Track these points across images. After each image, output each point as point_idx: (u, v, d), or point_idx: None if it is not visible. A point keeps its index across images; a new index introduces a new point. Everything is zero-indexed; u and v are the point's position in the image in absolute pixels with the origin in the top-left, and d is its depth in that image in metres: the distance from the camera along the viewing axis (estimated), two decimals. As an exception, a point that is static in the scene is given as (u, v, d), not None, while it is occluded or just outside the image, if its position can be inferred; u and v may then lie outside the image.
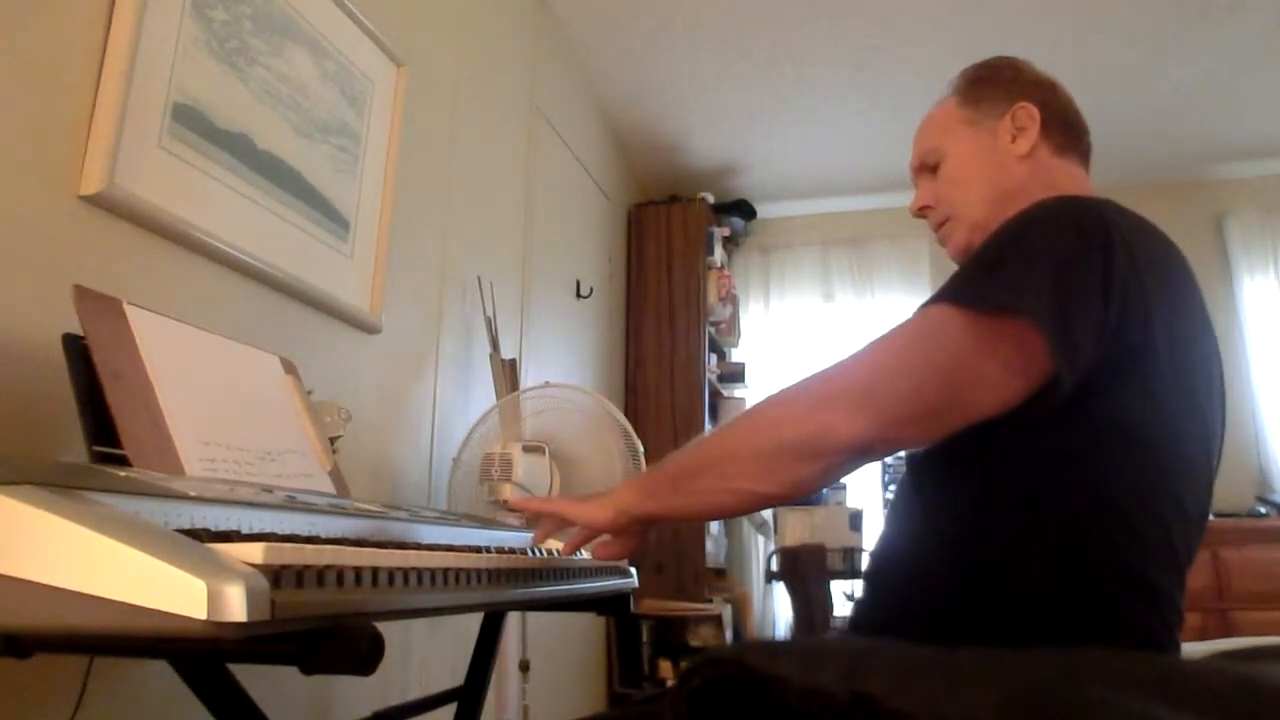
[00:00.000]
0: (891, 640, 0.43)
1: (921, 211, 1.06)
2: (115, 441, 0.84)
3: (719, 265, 3.76)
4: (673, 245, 3.69)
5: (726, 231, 3.94)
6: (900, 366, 0.74)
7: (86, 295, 0.90)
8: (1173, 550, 0.78)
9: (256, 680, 0.95)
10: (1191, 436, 0.80)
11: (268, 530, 0.73)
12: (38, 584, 0.52)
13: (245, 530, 0.69)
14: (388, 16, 1.80)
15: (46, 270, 1.06)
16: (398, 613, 0.71)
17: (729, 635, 3.35)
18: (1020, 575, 0.76)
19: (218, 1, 1.35)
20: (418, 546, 0.83)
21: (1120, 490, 0.75)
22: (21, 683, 0.99)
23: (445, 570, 0.74)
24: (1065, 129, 1.00)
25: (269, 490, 0.85)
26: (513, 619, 1.90)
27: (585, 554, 1.14)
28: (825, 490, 3.51)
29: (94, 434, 0.85)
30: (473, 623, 1.50)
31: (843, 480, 3.57)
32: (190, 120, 1.28)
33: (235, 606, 0.49)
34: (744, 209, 4.05)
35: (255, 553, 0.55)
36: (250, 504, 0.74)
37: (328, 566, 0.58)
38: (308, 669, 0.57)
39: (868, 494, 3.60)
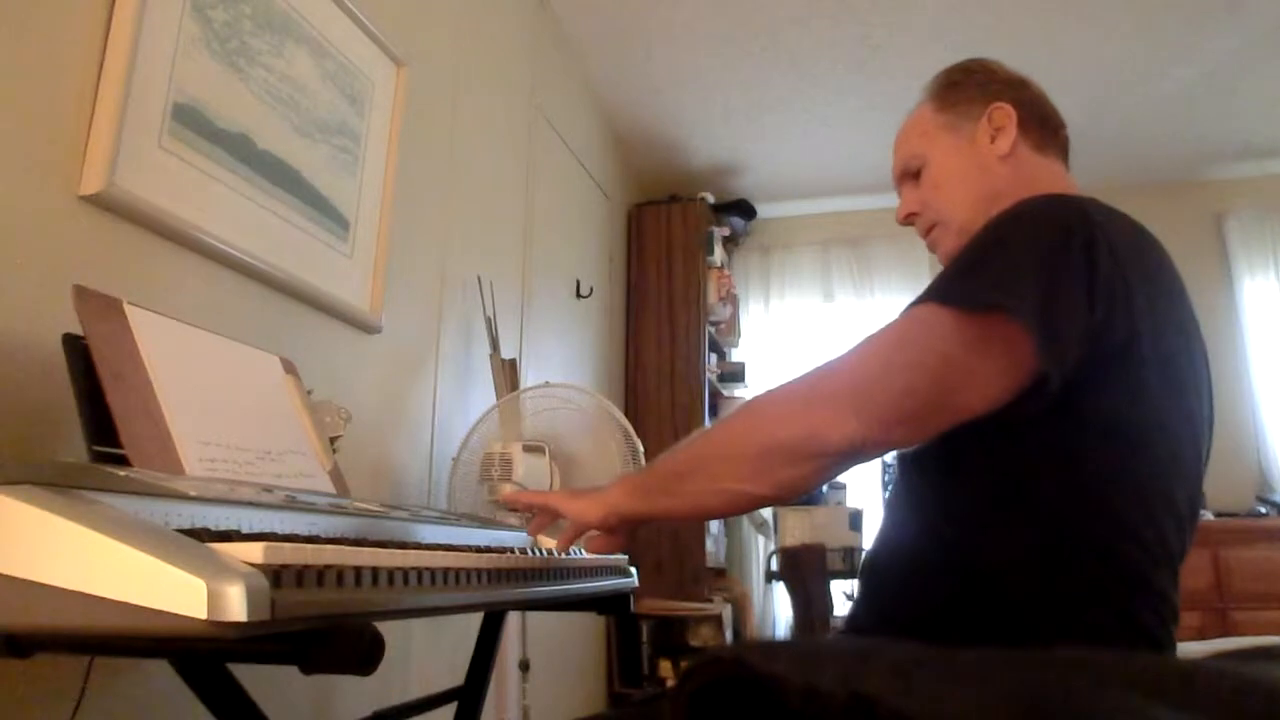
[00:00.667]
0: (889, 639, 0.43)
1: (908, 219, 1.06)
2: (115, 441, 0.84)
3: (719, 265, 3.76)
4: (673, 245, 3.69)
5: (726, 231, 3.94)
6: (889, 367, 0.74)
7: (86, 295, 0.90)
8: (1165, 546, 0.78)
9: (256, 680, 0.95)
10: (1179, 431, 0.80)
11: (268, 530, 0.73)
12: (38, 584, 0.52)
13: (245, 530, 0.69)
14: (388, 16, 1.80)
15: (46, 270, 1.06)
16: (398, 612, 0.71)
17: (729, 635, 3.35)
18: (1012, 572, 0.76)
19: (218, 1, 1.35)
20: (418, 546, 0.83)
21: (1110, 487, 0.75)
22: (21, 683, 0.99)
23: (445, 570, 0.74)
24: (1042, 124, 1.01)
25: (269, 490, 0.85)
26: (513, 619, 1.90)
27: (584, 553, 1.14)
28: (825, 490, 3.51)
29: (94, 434, 0.85)
30: (473, 623, 1.50)
31: (843, 480, 3.57)
32: (190, 120, 1.28)
33: (235, 606, 0.49)
34: (744, 209, 4.05)
35: (255, 552, 0.55)
36: (250, 504, 0.74)
37: (328, 566, 0.58)
38: (308, 669, 0.57)
39: (868, 494, 3.60)
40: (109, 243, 1.15)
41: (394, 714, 1.35)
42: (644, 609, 3.18)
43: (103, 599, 0.51)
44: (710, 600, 3.31)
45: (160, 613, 0.50)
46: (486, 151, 2.32)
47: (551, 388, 1.89)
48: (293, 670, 0.57)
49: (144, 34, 1.18)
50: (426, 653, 1.87)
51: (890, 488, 0.92)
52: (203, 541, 0.56)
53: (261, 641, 0.54)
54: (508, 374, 1.97)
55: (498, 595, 0.88)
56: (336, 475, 1.15)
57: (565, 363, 2.86)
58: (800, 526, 3.35)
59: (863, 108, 3.36)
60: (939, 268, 0.89)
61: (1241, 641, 1.42)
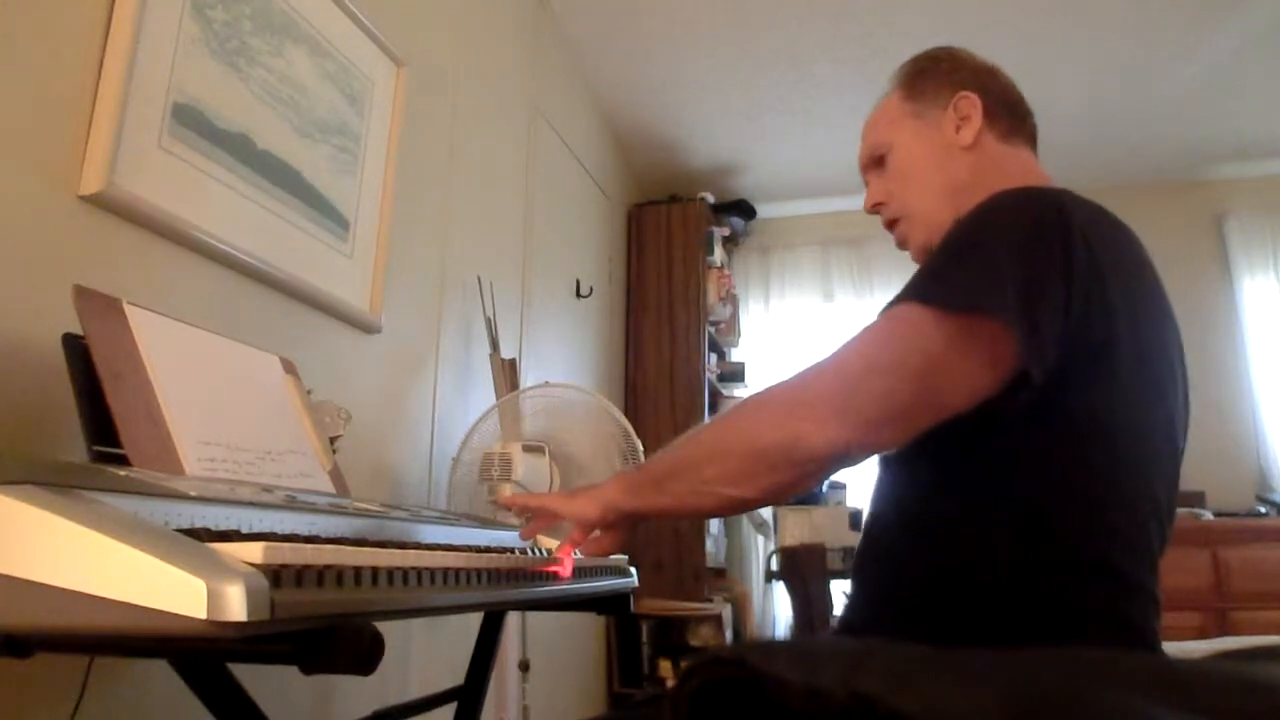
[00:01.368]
0: (886, 640, 0.43)
1: (875, 208, 1.06)
2: (115, 441, 0.84)
3: (719, 265, 3.76)
4: (673, 245, 3.69)
5: (726, 231, 3.93)
6: (872, 369, 0.74)
7: (86, 295, 0.90)
8: (1145, 538, 0.78)
9: (256, 680, 0.95)
10: (1157, 424, 0.80)
11: (268, 530, 0.73)
12: (38, 584, 0.52)
13: (245, 530, 0.69)
14: (388, 16, 1.80)
15: (46, 270, 1.06)
16: (398, 612, 0.71)
17: (729, 635, 3.35)
18: (994, 569, 0.76)
19: (218, 1, 1.35)
20: (418, 546, 0.83)
21: (1090, 482, 0.76)
22: (21, 683, 0.99)
23: (445, 570, 0.74)
24: (1009, 113, 1.00)
25: (269, 490, 0.85)
26: (513, 619, 1.90)
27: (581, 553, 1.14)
28: (825, 490, 3.51)
29: (94, 434, 0.85)
30: (473, 623, 1.50)
31: (842, 480, 3.58)
32: (190, 120, 1.28)
33: (235, 606, 0.49)
34: (744, 209, 4.05)
35: (255, 552, 0.55)
36: (250, 504, 0.74)
37: (328, 566, 0.58)
38: (308, 669, 0.57)
39: (868, 493, 3.59)
40: (109, 243, 1.15)
41: (394, 714, 1.35)
42: (644, 609, 3.18)
43: (103, 599, 0.51)
44: (710, 600, 3.31)
45: (160, 613, 0.50)
46: (486, 151, 2.32)
47: (551, 388, 1.89)
48: (293, 670, 0.57)
49: (144, 34, 1.18)
50: (426, 653, 1.87)
51: (874, 484, 0.92)
52: (203, 541, 0.56)
53: (261, 641, 0.54)
54: (508, 374, 1.97)
55: (498, 595, 0.88)
56: (336, 475, 1.15)
57: (565, 363, 2.87)
58: (800, 526, 3.35)
59: (863, 108, 3.34)
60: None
61: (1241, 641, 1.42)
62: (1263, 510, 3.31)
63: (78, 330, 0.88)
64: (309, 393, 1.21)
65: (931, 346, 0.73)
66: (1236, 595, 3.00)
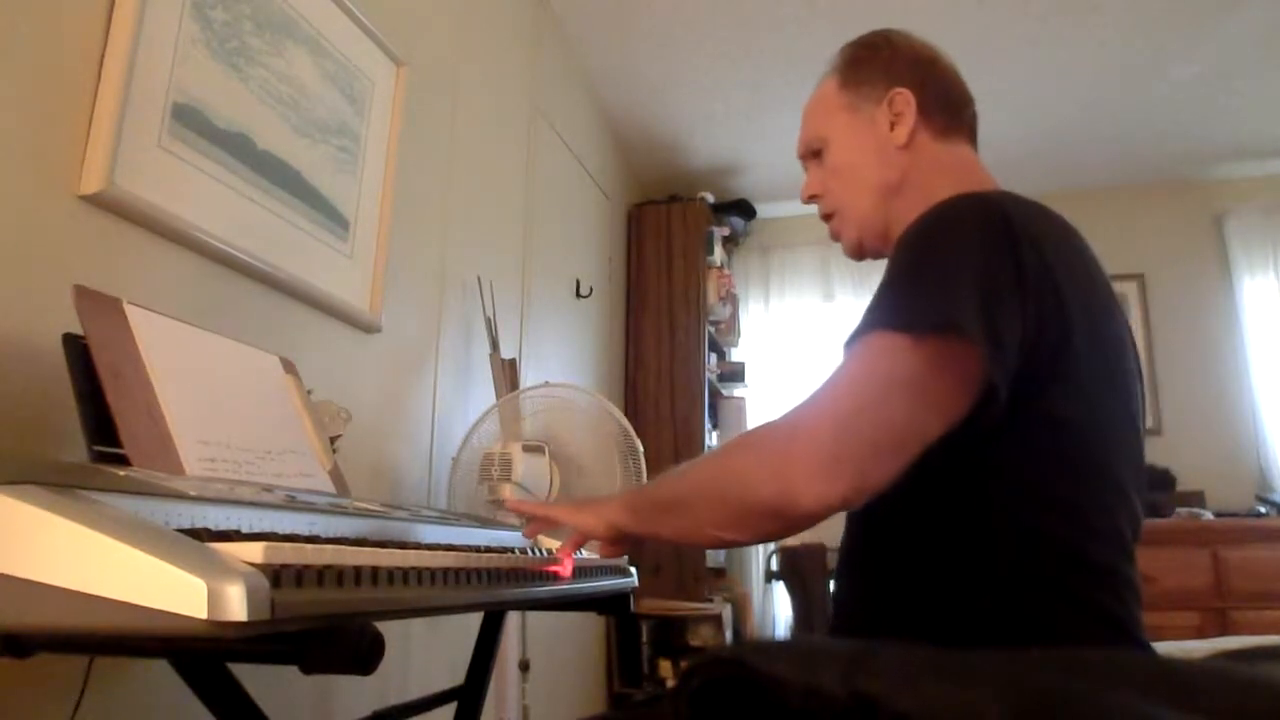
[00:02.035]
0: (888, 640, 0.43)
1: (811, 199, 1.05)
2: (115, 441, 0.84)
3: (719, 265, 3.76)
4: (673, 245, 3.69)
5: (726, 231, 3.93)
6: (860, 409, 0.72)
7: (86, 295, 0.90)
8: (1118, 528, 0.79)
9: (256, 680, 0.95)
10: (1118, 413, 0.81)
11: (268, 530, 0.73)
12: (38, 583, 0.52)
13: (245, 530, 0.69)
14: (388, 16, 1.80)
15: (46, 270, 1.06)
16: (398, 612, 0.71)
17: (729, 635, 3.35)
18: (974, 572, 0.76)
19: (217, 1, 1.35)
20: (418, 546, 0.83)
21: (1061, 480, 0.76)
22: (21, 683, 0.99)
23: (445, 570, 0.74)
24: (945, 108, 0.98)
25: (269, 490, 0.85)
26: (513, 619, 1.90)
27: (585, 553, 1.14)
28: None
29: (94, 433, 0.85)
30: (473, 622, 1.50)
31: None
32: (190, 120, 1.28)
33: (235, 606, 0.49)
34: (744, 209, 4.05)
35: (255, 552, 0.55)
36: (250, 503, 0.74)
37: (328, 566, 0.58)
38: (308, 668, 0.57)
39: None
40: (109, 243, 1.15)
41: (394, 714, 1.35)
42: (644, 609, 3.18)
43: (103, 599, 0.51)
44: (710, 600, 3.31)
45: (160, 612, 0.50)
46: (486, 151, 2.32)
47: (551, 387, 1.89)
48: (293, 670, 0.58)
49: (144, 34, 1.18)
50: (426, 653, 1.87)
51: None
52: (203, 541, 0.56)
53: (261, 641, 0.54)
54: (508, 374, 1.97)
55: (498, 595, 0.88)
56: (336, 475, 1.15)
57: (565, 363, 2.87)
58: (800, 526, 3.35)
59: (863, 108, 3.35)
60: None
61: (1241, 641, 1.42)
62: (1263, 510, 3.31)
63: (78, 330, 0.88)
64: (309, 393, 1.21)
65: (911, 373, 0.72)
66: (1236, 595, 3.00)
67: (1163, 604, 2.94)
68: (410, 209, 1.88)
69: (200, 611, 0.49)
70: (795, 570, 3.23)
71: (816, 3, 2.75)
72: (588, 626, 3.02)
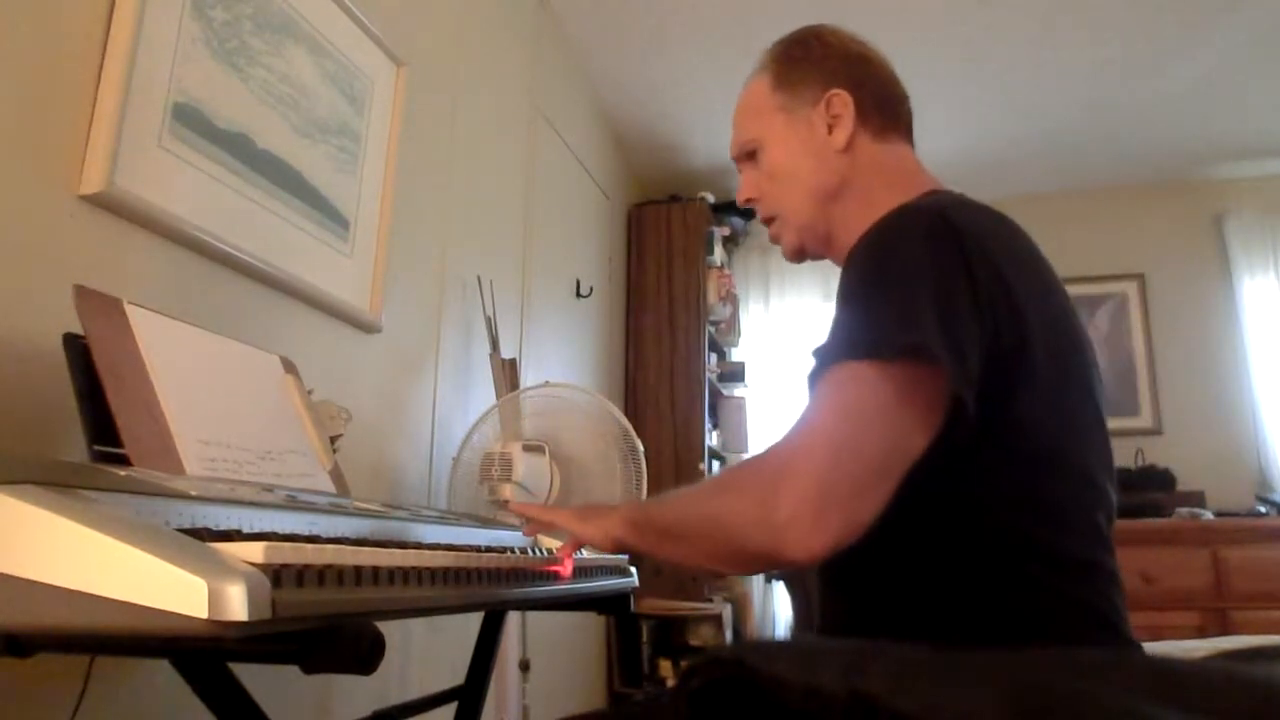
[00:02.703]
0: (886, 641, 0.43)
1: (748, 203, 1.03)
2: (116, 441, 0.84)
3: (719, 265, 3.76)
4: (673, 245, 3.69)
5: (726, 231, 3.93)
6: (839, 450, 0.70)
7: (86, 295, 0.90)
8: (1095, 525, 0.79)
9: (256, 680, 0.95)
10: (1083, 410, 0.81)
11: (268, 530, 0.73)
12: (38, 583, 0.52)
13: (246, 529, 0.69)
14: (388, 16, 1.80)
15: (46, 270, 1.06)
16: (398, 612, 0.71)
17: (729, 635, 3.35)
18: (959, 576, 0.77)
19: (217, 1, 1.35)
20: (418, 546, 0.83)
21: (1036, 484, 0.76)
22: (21, 683, 0.99)
23: (445, 570, 0.74)
24: (882, 108, 0.97)
25: (269, 490, 0.85)
26: (513, 618, 1.90)
27: (585, 553, 1.14)
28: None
29: (94, 433, 0.85)
30: (473, 622, 1.50)
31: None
32: (190, 120, 1.28)
33: (236, 606, 0.49)
34: (744, 209, 4.05)
35: (256, 552, 0.55)
36: (251, 503, 0.74)
37: (328, 566, 0.58)
38: (308, 668, 0.57)
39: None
40: (109, 243, 1.15)
41: (394, 714, 1.35)
42: (644, 609, 3.18)
43: (103, 598, 0.51)
44: (710, 600, 3.31)
45: (161, 612, 0.50)
46: (486, 151, 2.32)
47: (551, 387, 1.89)
48: (293, 670, 0.58)
49: (144, 34, 1.18)
50: (426, 653, 1.87)
51: None
52: (203, 541, 0.56)
53: (262, 641, 0.54)
54: (508, 374, 1.97)
55: (498, 595, 0.88)
56: (336, 475, 1.15)
57: (565, 362, 2.87)
58: (800, 526, 3.35)
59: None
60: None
61: (1241, 641, 1.42)
62: (1263, 510, 3.31)
63: (78, 330, 0.88)
64: (309, 393, 1.21)
65: (882, 401, 0.71)
66: (1236, 595, 3.00)
67: (1163, 604, 2.95)
68: (410, 209, 1.88)
69: (201, 611, 0.49)
70: (795, 570, 3.23)
71: (817, 3, 2.75)
72: (588, 626, 3.02)
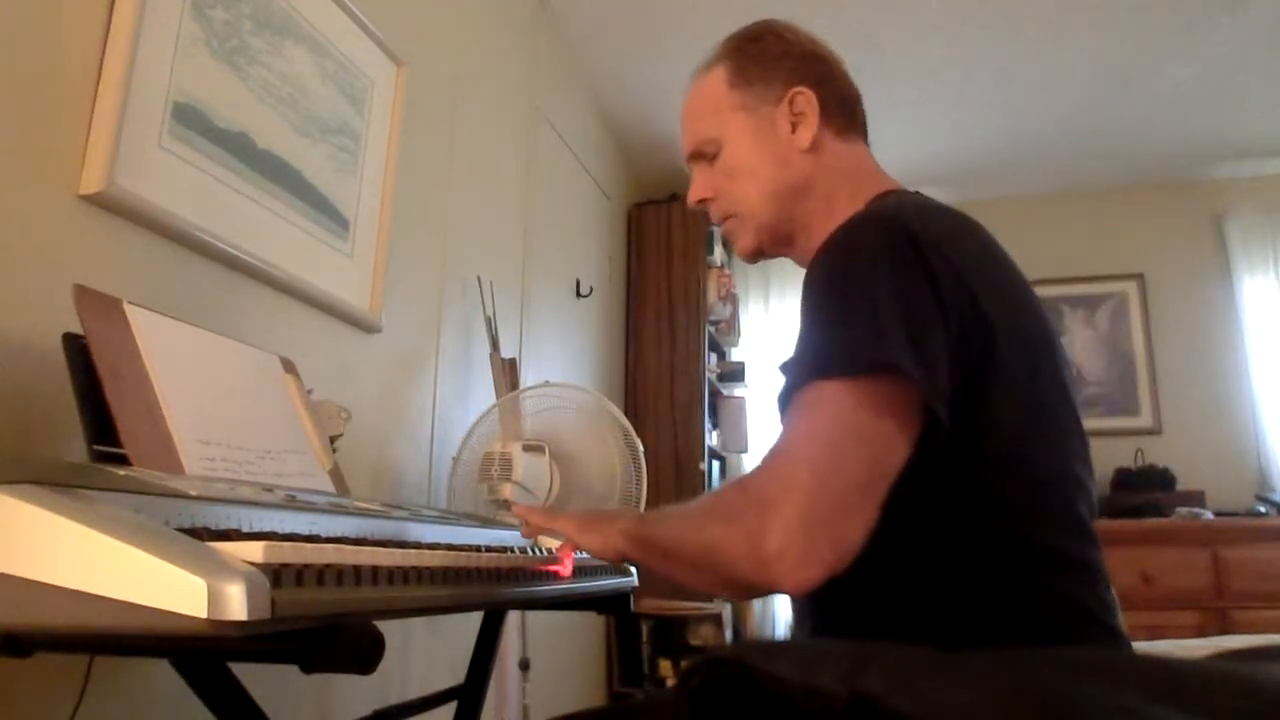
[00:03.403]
0: (887, 641, 0.43)
1: (701, 203, 1.01)
2: (115, 440, 0.84)
3: (719, 265, 3.76)
4: (673, 245, 3.69)
5: (726, 231, 3.93)
6: (815, 470, 0.69)
7: (86, 295, 0.90)
8: (1080, 519, 0.79)
9: (256, 680, 0.95)
10: (1056, 403, 0.80)
11: (268, 529, 0.73)
12: (38, 583, 0.52)
13: (245, 529, 0.69)
14: (388, 16, 1.80)
15: (46, 270, 1.06)
16: (398, 612, 0.71)
17: (729, 635, 3.35)
18: (947, 581, 0.76)
19: (217, 1, 1.35)
20: (418, 545, 0.83)
21: (1017, 484, 0.76)
22: (21, 682, 0.99)
23: (445, 569, 0.74)
24: (842, 107, 0.96)
25: (269, 489, 0.85)
26: (513, 618, 1.90)
27: (584, 553, 1.14)
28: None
29: (94, 433, 0.85)
30: (473, 622, 1.50)
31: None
32: (190, 120, 1.28)
33: (236, 605, 0.49)
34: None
35: (256, 552, 0.55)
36: (250, 503, 0.74)
37: (328, 565, 0.58)
38: (308, 668, 0.57)
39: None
40: (109, 243, 1.15)
41: (394, 713, 1.35)
42: (644, 609, 3.18)
43: (103, 598, 0.51)
44: (710, 600, 3.31)
45: (161, 612, 0.50)
46: (486, 151, 2.32)
47: (551, 387, 1.89)
48: (293, 670, 0.58)
49: (144, 34, 1.18)
50: (426, 652, 1.87)
51: None
52: (203, 541, 0.56)
53: (262, 641, 0.54)
54: (508, 373, 1.97)
55: (498, 594, 0.88)
56: (336, 475, 1.15)
57: (565, 362, 2.87)
58: (800, 526, 3.35)
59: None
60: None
61: (1241, 641, 1.42)
62: (1263, 510, 3.31)
63: (78, 330, 0.88)
64: (309, 392, 1.21)
65: (859, 421, 0.70)
66: (1236, 595, 3.00)
67: (1163, 604, 2.95)
68: (410, 209, 1.88)
69: (200, 611, 0.49)
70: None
71: (816, 3, 2.75)
72: (588, 626, 3.02)
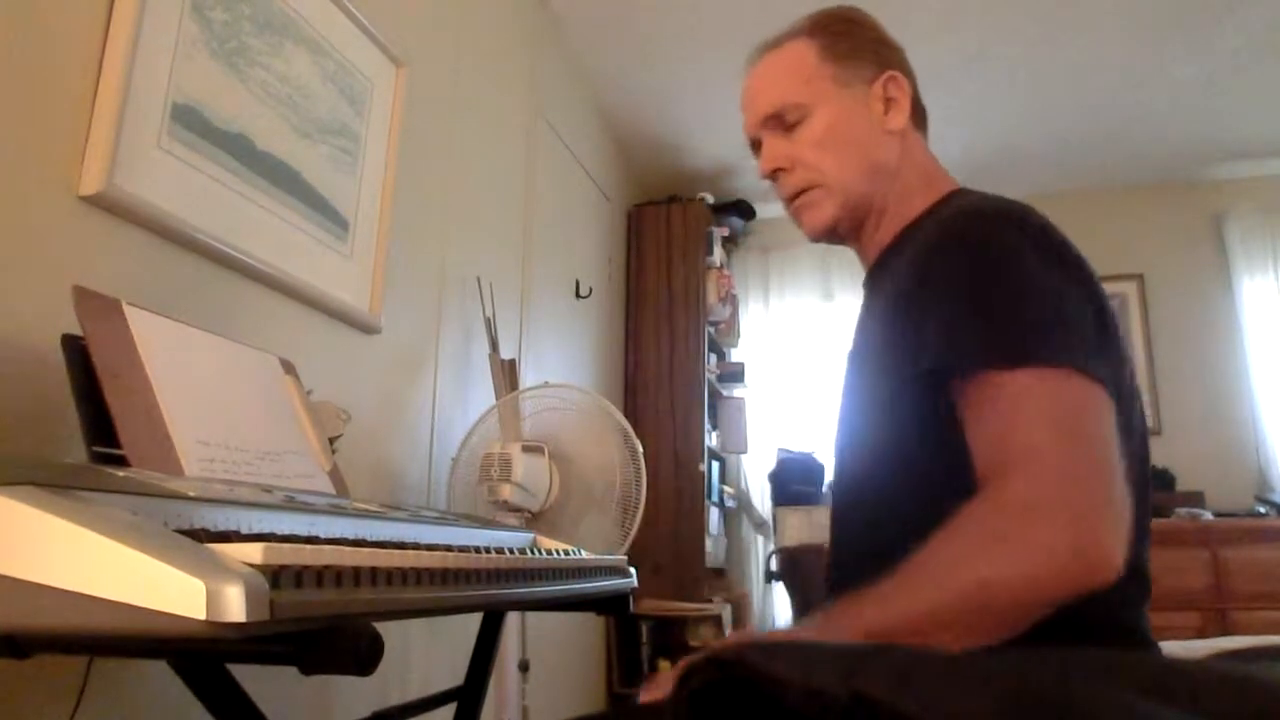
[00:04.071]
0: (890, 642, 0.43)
1: (777, 173, 0.96)
2: (114, 441, 0.84)
3: (719, 265, 3.76)
4: (673, 245, 3.68)
5: (726, 231, 3.93)
6: (1095, 465, 0.67)
7: (86, 295, 0.90)
8: (1147, 530, 0.78)
9: (256, 680, 0.95)
10: (1134, 394, 0.81)
11: (267, 530, 0.73)
12: (37, 584, 0.52)
13: (244, 530, 0.69)
14: (388, 16, 1.80)
15: (46, 270, 1.06)
16: (397, 613, 0.71)
17: (729, 635, 3.35)
18: None
19: (217, 1, 1.34)
20: (417, 546, 0.83)
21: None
22: (21, 683, 0.99)
23: (445, 570, 0.74)
24: (917, 101, 0.97)
25: (268, 490, 0.85)
26: (513, 619, 1.90)
27: (584, 552, 1.14)
28: (825, 489, 3.51)
29: (93, 434, 0.85)
30: (472, 623, 1.49)
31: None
32: (190, 120, 1.28)
33: (234, 607, 0.49)
34: (744, 209, 4.05)
35: (254, 553, 0.55)
36: (249, 504, 0.74)
37: (327, 566, 0.58)
38: (307, 669, 0.57)
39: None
40: (109, 243, 1.15)
41: (394, 714, 1.35)
42: (644, 609, 3.18)
43: (102, 599, 0.51)
44: (710, 600, 3.31)
45: (159, 613, 0.50)
46: (486, 151, 2.32)
47: (551, 388, 1.89)
48: (292, 670, 0.57)
49: (144, 34, 1.18)
50: (426, 653, 1.87)
51: (833, 479, 0.91)
52: (202, 542, 0.56)
53: (261, 642, 0.54)
54: (507, 374, 1.97)
55: (497, 595, 0.88)
56: (336, 475, 1.15)
57: (565, 363, 2.86)
58: (800, 527, 3.35)
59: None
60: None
61: (1241, 641, 1.42)
62: (1263, 510, 3.31)
63: (78, 330, 0.88)
64: (309, 393, 1.21)
65: (1098, 409, 0.70)
66: (1236, 595, 3.00)
67: (1163, 604, 2.92)
68: (410, 209, 1.88)
69: (199, 612, 0.49)
70: (795, 570, 3.23)
71: (816, 3, 2.75)
72: (588, 626, 3.01)
